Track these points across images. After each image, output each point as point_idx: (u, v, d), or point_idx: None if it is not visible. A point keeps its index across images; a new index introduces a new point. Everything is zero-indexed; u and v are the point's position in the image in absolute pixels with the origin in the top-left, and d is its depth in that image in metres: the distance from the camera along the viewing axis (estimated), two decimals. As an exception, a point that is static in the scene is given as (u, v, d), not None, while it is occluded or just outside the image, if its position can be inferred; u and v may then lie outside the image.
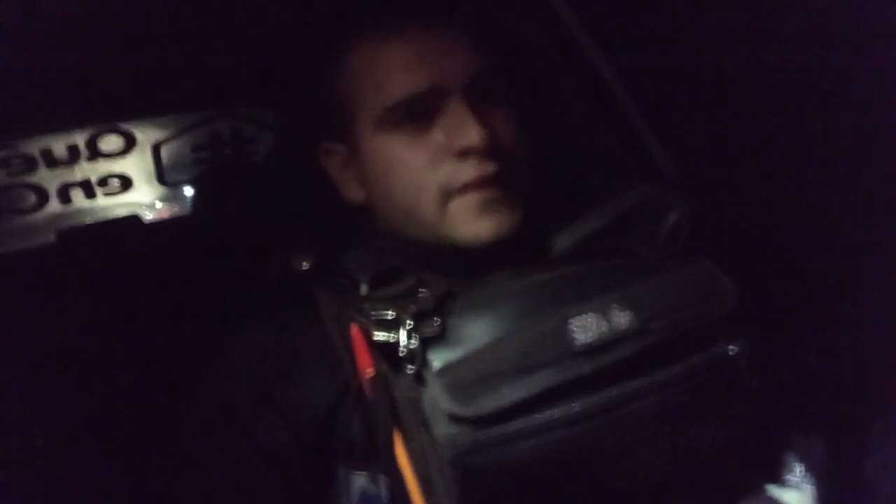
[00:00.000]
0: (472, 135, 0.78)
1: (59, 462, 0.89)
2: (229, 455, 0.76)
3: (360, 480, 0.73)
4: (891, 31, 0.72)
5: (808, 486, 0.75)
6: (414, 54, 0.82)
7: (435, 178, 0.80)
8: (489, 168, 0.80)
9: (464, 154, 0.80)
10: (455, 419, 0.66)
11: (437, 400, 0.66)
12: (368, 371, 0.70)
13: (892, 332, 0.77)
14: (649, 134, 0.98)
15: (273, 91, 1.05)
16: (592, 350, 0.68)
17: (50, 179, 1.02)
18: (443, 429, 0.65)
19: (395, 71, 0.82)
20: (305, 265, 0.80)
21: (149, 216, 1.10)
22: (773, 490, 0.75)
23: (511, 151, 0.82)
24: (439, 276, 0.76)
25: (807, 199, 0.85)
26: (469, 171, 0.80)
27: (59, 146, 1.01)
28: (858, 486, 0.76)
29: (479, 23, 0.87)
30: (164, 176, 1.09)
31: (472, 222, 0.80)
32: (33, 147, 1.00)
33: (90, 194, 1.05)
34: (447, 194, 0.80)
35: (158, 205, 1.12)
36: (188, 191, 1.11)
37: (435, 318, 0.71)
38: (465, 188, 0.80)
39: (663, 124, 0.97)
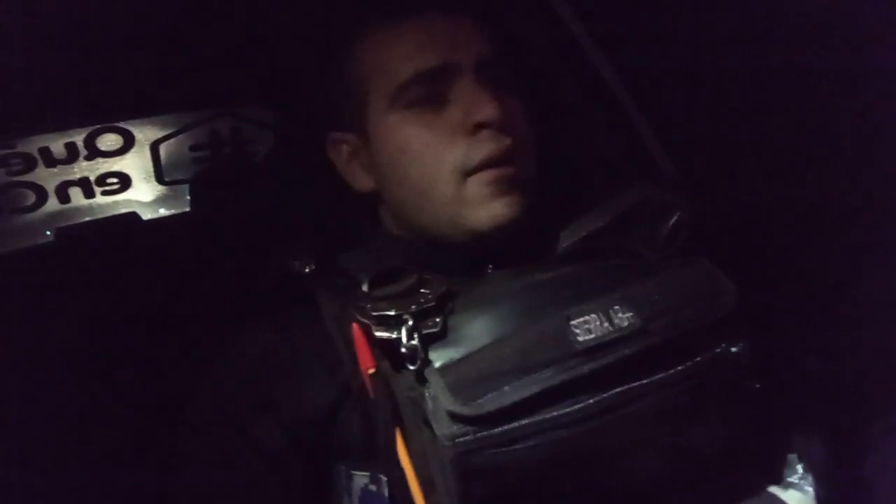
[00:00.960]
0: (489, 109, 0.79)
1: (59, 462, 0.89)
2: (229, 456, 0.76)
3: (360, 480, 0.73)
4: (891, 31, 0.72)
5: (808, 487, 0.75)
6: (425, 35, 0.83)
7: (451, 156, 0.80)
8: (505, 143, 0.80)
9: (480, 129, 0.80)
10: (456, 418, 0.66)
11: (438, 398, 0.66)
12: (370, 369, 0.70)
13: (892, 332, 0.77)
14: (649, 134, 0.98)
15: (275, 87, 1.04)
16: (593, 350, 0.69)
17: (48, 178, 1.02)
18: (444, 428, 0.65)
19: (407, 51, 0.82)
20: (308, 269, 0.80)
21: (147, 215, 1.10)
22: (774, 490, 0.75)
23: (521, 135, 0.83)
24: (440, 275, 0.76)
25: (807, 199, 0.85)
26: (485, 147, 0.80)
27: (57, 145, 1.00)
28: (858, 486, 0.76)
29: (487, 17, 0.87)
30: (162, 175, 1.09)
31: (489, 203, 0.80)
32: (32, 146, 0.99)
33: (89, 193, 1.05)
34: (464, 173, 0.80)
35: (157, 204, 1.11)
36: (187, 190, 1.10)
37: (436, 317, 0.71)
38: (482, 166, 0.80)
39: (663, 124, 0.98)
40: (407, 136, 0.82)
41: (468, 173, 0.80)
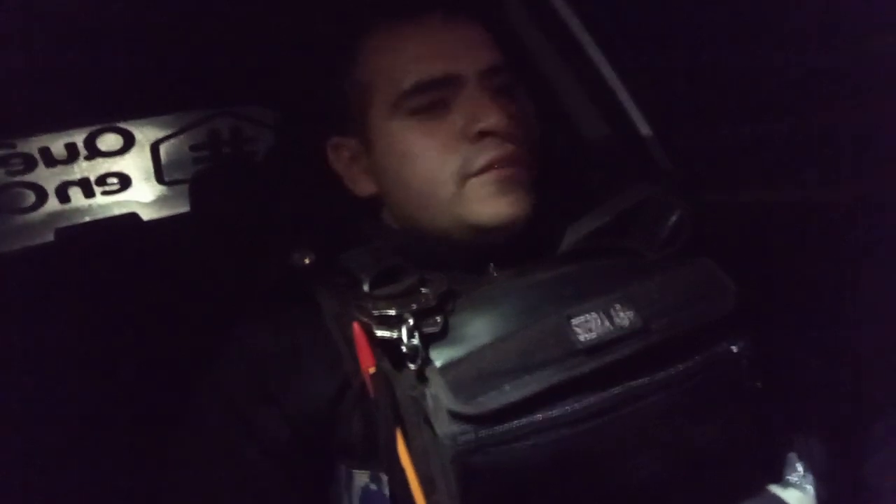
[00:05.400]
0: (491, 118, 0.79)
1: (59, 461, 0.89)
2: (231, 453, 0.76)
3: (361, 479, 0.73)
4: (891, 30, 0.72)
5: (808, 486, 0.75)
6: (429, 43, 0.82)
7: (452, 162, 0.80)
8: (507, 149, 0.80)
9: (482, 137, 0.80)
10: (457, 417, 0.65)
11: (439, 398, 0.66)
12: (370, 368, 0.70)
13: (892, 332, 0.77)
14: (649, 134, 0.98)
15: (277, 89, 1.05)
16: (594, 349, 0.68)
17: (49, 178, 1.02)
18: (445, 427, 0.65)
19: (411, 59, 0.82)
20: (307, 261, 0.80)
21: (147, 215, 1.10)
22: (774, 490, 0.75)
23: (523, 139, 0.83)
24: (441, 274, 0.76)
25: (807, 200, 0.85)
26: (487, 153, 0.80)
27: (57, 145, 1.01)
28: (859, 486, 0.76)
29: (490, 20, 0.87)
30: (162, 174, 1.09)
31: (491, 201, 0.80)
32: (32, 146, 1.00)
33: (89, 193, 1.05)
34: (465, 176, 0.80)
35: (157, 204, 1.12)
36: (187, 189, 1.10)
37: (436, 316, 0.71)
38: (484, 169, 0.80)
39: (663, 124, 0.98)
40: (409, 143, 0.82)
41: (469, 176, 0.80)
